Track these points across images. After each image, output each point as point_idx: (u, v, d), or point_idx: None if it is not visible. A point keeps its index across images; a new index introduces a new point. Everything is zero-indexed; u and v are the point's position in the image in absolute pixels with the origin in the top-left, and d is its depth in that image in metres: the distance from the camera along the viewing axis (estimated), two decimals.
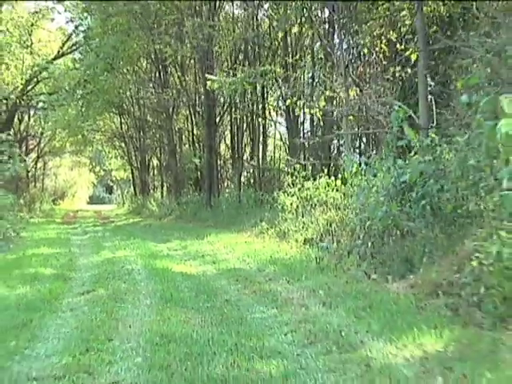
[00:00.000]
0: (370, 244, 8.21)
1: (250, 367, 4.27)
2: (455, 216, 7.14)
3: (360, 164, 10.50)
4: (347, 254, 8.70)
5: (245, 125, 24.07)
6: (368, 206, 8.60)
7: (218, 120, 24.34)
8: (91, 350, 4.72)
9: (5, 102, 33.25)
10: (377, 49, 15.13)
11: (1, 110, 32.78)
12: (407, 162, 8.44)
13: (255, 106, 21.95)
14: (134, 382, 3.92)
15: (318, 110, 14.76)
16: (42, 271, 9.32)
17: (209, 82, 15.16)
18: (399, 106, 9.22)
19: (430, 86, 13.24)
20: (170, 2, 18.53)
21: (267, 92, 22.06)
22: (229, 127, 25.87)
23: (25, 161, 25.29)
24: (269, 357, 4.56)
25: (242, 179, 24.55)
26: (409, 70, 13.54)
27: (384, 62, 15.33)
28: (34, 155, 40.71)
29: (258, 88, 19.98)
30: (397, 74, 13.85)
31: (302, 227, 12.13)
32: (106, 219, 29.66)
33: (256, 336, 5.17)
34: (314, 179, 13.02)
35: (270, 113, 24.19)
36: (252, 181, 24.04)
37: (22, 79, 32.65)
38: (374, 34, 14.58)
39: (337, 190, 11.87)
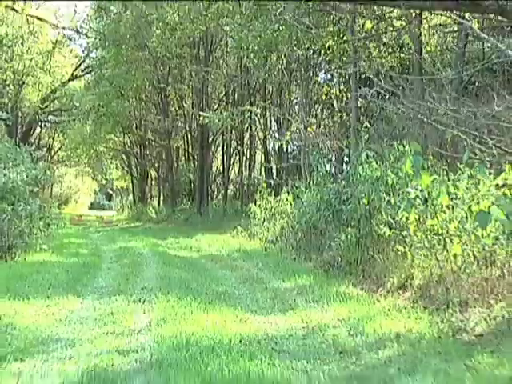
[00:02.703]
0: (298, 239, 12.67)
1: (209, 286, 8.64)
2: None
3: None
4: (285, 246, 13.18)
5: (232, 148, 28.55)
6: (299, 215, 13.03)
7: (210, 141, 28.80)
8: (128, 279, 9.14)
9: (22, 116, 38.17)
10: (333, 96, 19.67)
11: (22, 124, 37.63)
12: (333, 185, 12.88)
13: (242, 134, 26.36)
14: (152, 287, 8.31)
15: (284, 142, 19.23)
16: (81, 251, 13.80)
17: (201, 118, 19.64)
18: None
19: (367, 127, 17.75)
20: (174, 50, 22.98)
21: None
22: (220, 148, 30.47)
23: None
24: (220, 285, 8.95)
25: (229, 192, 29.19)
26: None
27: (341, 105, 19.87)
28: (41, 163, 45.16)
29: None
30: (343, 118, 18.32)
31: (266, 230, 16.51)
32: (109, 223, 34.08)
33: (216, 279, 9.59)
34: (277, 195, 17.43)
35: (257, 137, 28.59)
36: (237, 194, 28.53)
37: (38, 96, 37.45)
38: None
39: (290, 204, 16.24)
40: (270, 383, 4.10)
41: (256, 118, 23.56)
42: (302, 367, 4.60)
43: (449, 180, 7.05)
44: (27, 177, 11.97)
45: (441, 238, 6.75)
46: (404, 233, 7.34)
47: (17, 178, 11.30)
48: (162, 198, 37.29)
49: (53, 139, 47.81)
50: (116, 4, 27.44)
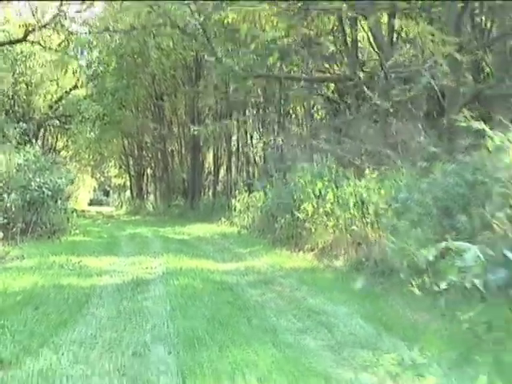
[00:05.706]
0: (261, 224, 17.55)
1: (194, 252, 13.43)
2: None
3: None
4: (253, 230, 18.09)
5: (221, 151, 33.40)
6: (263, 207, 17.90)
7: (201, 144, 33.56)
8: (143, 248, 14.00)
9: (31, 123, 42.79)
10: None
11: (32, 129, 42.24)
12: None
13: (230, 140, 31.17)
14: (159, 251, 13.12)
15: (258, 149, 24.12)
16: (102, 235, 18.69)
17: (192, 130, 24.54)
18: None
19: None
20: (169, 72, 27.93)
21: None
22: (212, 149, 35.28)
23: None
24: (202, 251, 13.77)
25: (219, 189, 34.06)
26: None
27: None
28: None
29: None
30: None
31: (242, 219, 21.39)
32: (111, 217, 38.78)
33: (199, 249, 14.44)
34: (251, 192, 22.29)
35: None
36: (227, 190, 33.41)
37: (44, 103, 42.25)
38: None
39: (260, 199, 21.08)
40: (217, 280, 8.97)
41: (237, 129, 28.50)
42: (235, 278, 9.48)
43: (336, 186, 11.96)
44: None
45: (326, 218, 11.66)
46: (308, 216, 12.25)
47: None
48: (158, 194, 41.98)
49: (56, 139, 52.41)
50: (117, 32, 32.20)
